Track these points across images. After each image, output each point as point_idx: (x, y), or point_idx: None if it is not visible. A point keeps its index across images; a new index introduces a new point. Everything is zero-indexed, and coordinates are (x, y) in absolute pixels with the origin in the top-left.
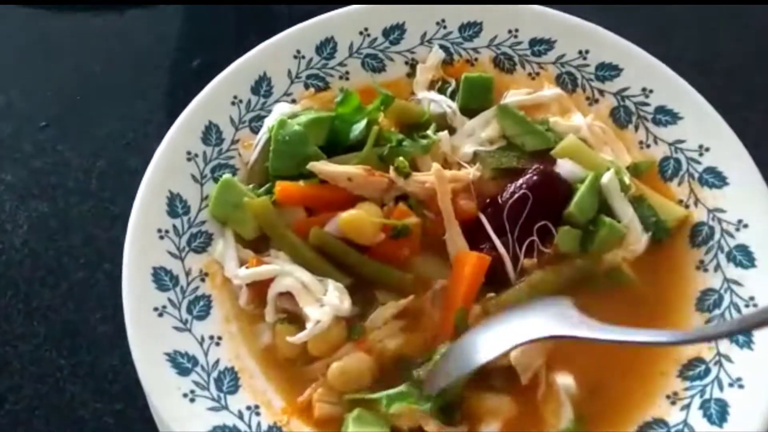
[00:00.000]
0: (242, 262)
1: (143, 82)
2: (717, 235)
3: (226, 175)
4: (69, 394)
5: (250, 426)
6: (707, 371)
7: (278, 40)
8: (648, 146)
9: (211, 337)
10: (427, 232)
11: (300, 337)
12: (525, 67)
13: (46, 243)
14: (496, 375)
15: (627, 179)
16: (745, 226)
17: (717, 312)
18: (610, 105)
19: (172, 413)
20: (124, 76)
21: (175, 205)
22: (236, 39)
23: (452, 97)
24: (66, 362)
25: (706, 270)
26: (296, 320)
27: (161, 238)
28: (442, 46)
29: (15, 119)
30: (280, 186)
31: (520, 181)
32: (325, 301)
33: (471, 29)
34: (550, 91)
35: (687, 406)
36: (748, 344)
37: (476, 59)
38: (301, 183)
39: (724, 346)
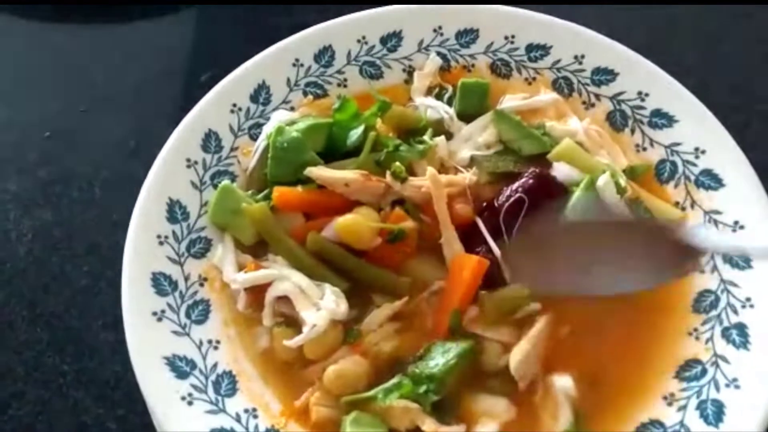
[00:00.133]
0: (241, 267)
1: (146, 92)
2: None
3: (225, 182)
4: (72, 400)
5: (247, 429)
6: (704, 372)
7: (277, 48)
8: (644, 149)
9: (210, 341)
10: (424, 236)
11: (296, 341)
12: (521, 73)
13: (50, 251)
14: (493, 377)
15: (623, 182)
16: (742, 227)
17: (714, 313)
18: (606, 109)
19: (170, 416)
20: (128, 87)
21: (175, 212)
22: (242, 51)
23: (449, 102)
24: (69, 368)
25: (702, 271)
26: (294, 324)
27: (161, 243)
28: (439, 53)
29: (19, 129)
30: (278, 192)
31: (516, 184)
32: (322, 305)
33: (467, 36)
34: (547, 95)
35: (683, 407)
36: (744, 345)
37: (473, 65)
38: (299, 188)
39: (721, 346)
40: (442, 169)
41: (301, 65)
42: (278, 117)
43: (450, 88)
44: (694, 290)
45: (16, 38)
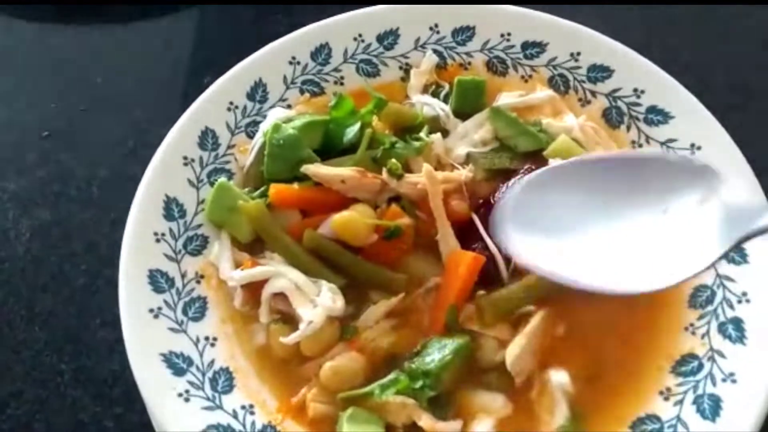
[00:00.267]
0: (238, 264)
1: (144, 92)
2: None
3: (222, 179)
4: (70, 399)
5: (244, 425)
6: (700, 367)
7: (274, 46)
8: (640, 146)
9: (207, 338)
10: (420, 232)
11: (292, 338)
12: (518, 70)
13: (48, 250)
14: (489, 372)
15: None
16: None
17: (710, 308)
18: (602, 106)
19: (167, 412)
20: (125, 86)
21: (172, 209)
22: (241, 51)
23: (446, 100)
24: (67, 367)
25: None
26: (290, 321)
27: (158, 241)
28: (435, 51)
29: (18, 129)
30: (275, 189)
31: (512, 181)
32: (319, 302)
33: (464, 34)
34: (543, 93)
35: (680, 402)
36: (740, 339)
37: (469, 63)
38: (296, 186)
39: (717, 341)
40: (439, 166)
41: (298, 63)
42: (275, 114)
43: (446, 86)
44: (690, 285)
45: (15, 38)
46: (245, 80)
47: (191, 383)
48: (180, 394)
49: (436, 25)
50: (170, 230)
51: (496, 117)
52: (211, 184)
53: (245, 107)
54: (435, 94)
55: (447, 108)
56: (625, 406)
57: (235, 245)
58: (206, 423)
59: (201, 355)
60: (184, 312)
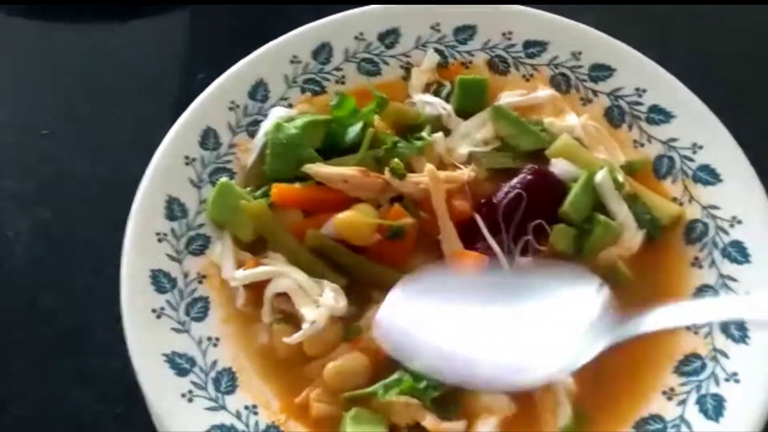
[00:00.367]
0: (240, 264)
1: (144, 91)
2: (711, 232)
3: (224, 179)
4: (71, 398)
5: (248, 425)
6: (703, 366)
7: (274, 45)
8: (642, 145)
9: (209, 338)
10: (423, 232)
11: (295, 338)
12: (519, 69)
13: (48, 250)
14: None
15: (621, 177)
16: (740, 222)
17: None
18: (604, 105)
19: (170, 413)
20: (126, 85)
21: (173, 209)
22: (238, 50)
23: (447, 99)
24: (67, 367)
25: (701, 266)
26: (293, 321)
27: (159, 241)
28: (436, 50)
29: (17, 128)
30: (277, 188)
31: (515, 180)
32: (321, 302)
33: (465, 32)
34: (544, 92)
35: (683, 402)
36: (743, 339)
37: (471, 62)
38: (298, 185)
39: (720, 341)
40: (441, 165)
41: (299, 62)
42: (276, 114)
43: (448, 85)
44: (693, 285)
45: (14, 38)
46: (246, 79)
47: (194, 383)
48: (183, 395)
49: (438, 24)
50: (172, 230)
51: (498, 116)
52: (213, 183)
53: (246, 106)
54: (436, 93)
55: (449, 107)
56: (628, 407)
57: (237, 245)
58: (210, 423)
59: (204, 355)
60: (187, 312)
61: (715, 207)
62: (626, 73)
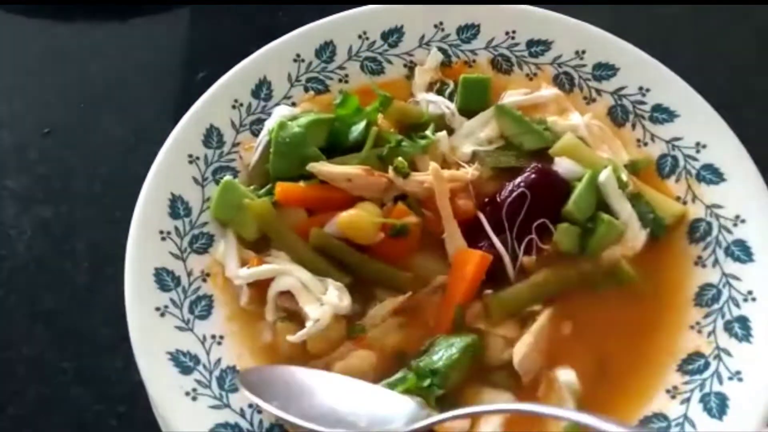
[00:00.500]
0: (244, 263)
1: (145, 89)
2: (715, 231)
3: (227, 177)
4: (72, 397)
5: (251, 423)
6: (707, 365)
7: (278, 44)
8: (645, 144)
9: (213, 336)
10: (426, 231)
11: (299, 336)
12: (522, 68)
13: (49, 248)
14: (496, 370)
15: (624, 176)
16: (743, 221)
17: (716, 306)
18: (608, 104)
19: (175, 411)
20: (126, 83)
21: (177, 207)
22: (239, 49)
23: (451, 98)
24: (69, 365)
25: (704, 265)
26: (297, 319)
27: (163, 239)
28: (440, 49)
29: (19, 126)
30: (281, 187)
31: (519, 179)
32: (325, 300)
33: (469, 31)
34: (548, 91)
35: (687, 400)
36: (746, 338)
37: (474, 61)
38: (302, 184)
39: (723, 339)
40: (444, 164)
41: (302, 61)
42: (280, 112)
43: (451, 84)
44: (696, 284)
45: (15, 37)
46: (249, 78)
47: (198, 382)
48: (187, 393)
49: (441, 23)
50: (176, 228)
51: (502, 115)
52: (216, 182)
53: (250, 105)
54: (440, 92)
55: (452, 106)
56: (632, 405)
57: (240, 243)
58: (214, 422)
59: (208, 353)
60: (191, 310)
61: (718, 206)
62: (630, 72)
